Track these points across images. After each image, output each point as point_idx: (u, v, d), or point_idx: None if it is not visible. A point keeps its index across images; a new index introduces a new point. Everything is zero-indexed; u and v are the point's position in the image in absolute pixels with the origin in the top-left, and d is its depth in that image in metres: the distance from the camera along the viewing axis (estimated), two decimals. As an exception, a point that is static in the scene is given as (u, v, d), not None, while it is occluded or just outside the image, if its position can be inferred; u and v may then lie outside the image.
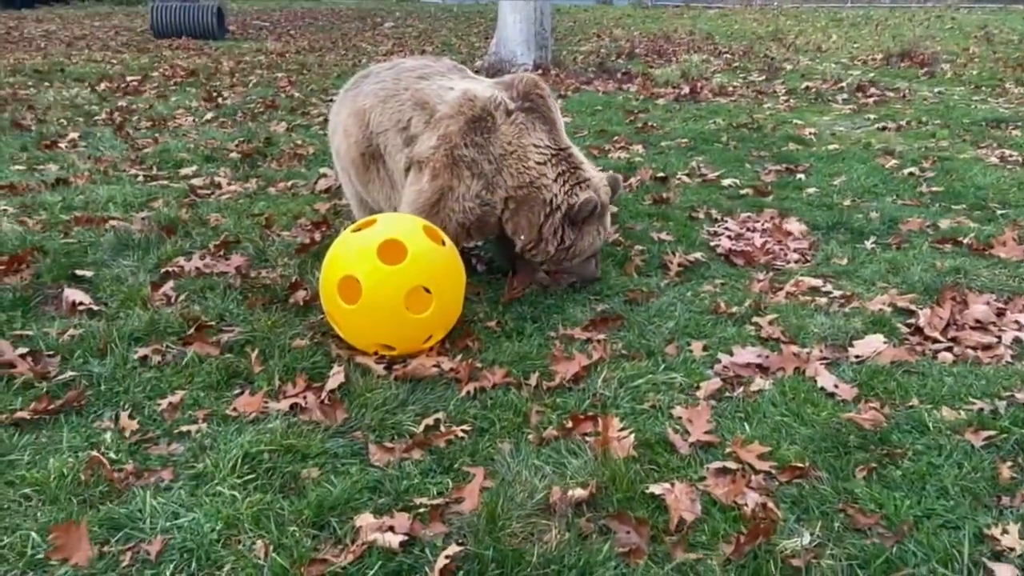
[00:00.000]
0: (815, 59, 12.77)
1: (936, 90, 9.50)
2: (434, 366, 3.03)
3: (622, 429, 2.62)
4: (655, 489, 2.31)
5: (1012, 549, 2.05)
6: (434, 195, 3.51)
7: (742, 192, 5.45)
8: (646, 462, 2.49)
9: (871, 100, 8.89)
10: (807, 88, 9.66)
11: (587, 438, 2.61)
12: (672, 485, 2.32)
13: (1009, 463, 2.40)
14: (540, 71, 10.50)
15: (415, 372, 2.97)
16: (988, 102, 8.68)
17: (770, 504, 2.24)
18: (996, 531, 2.11)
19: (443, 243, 3.18)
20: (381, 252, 2.98)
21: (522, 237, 3.60)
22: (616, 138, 7.01)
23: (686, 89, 9.34)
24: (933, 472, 2.39)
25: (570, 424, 2.66)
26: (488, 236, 3.85)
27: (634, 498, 2.29)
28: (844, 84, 9.74)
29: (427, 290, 3.07)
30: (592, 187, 3.61)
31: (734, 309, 3.56)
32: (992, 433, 2.55)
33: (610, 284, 3.89)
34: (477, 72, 10.75)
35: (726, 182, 5.65)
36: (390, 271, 2.95)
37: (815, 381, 2.94)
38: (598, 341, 3.29)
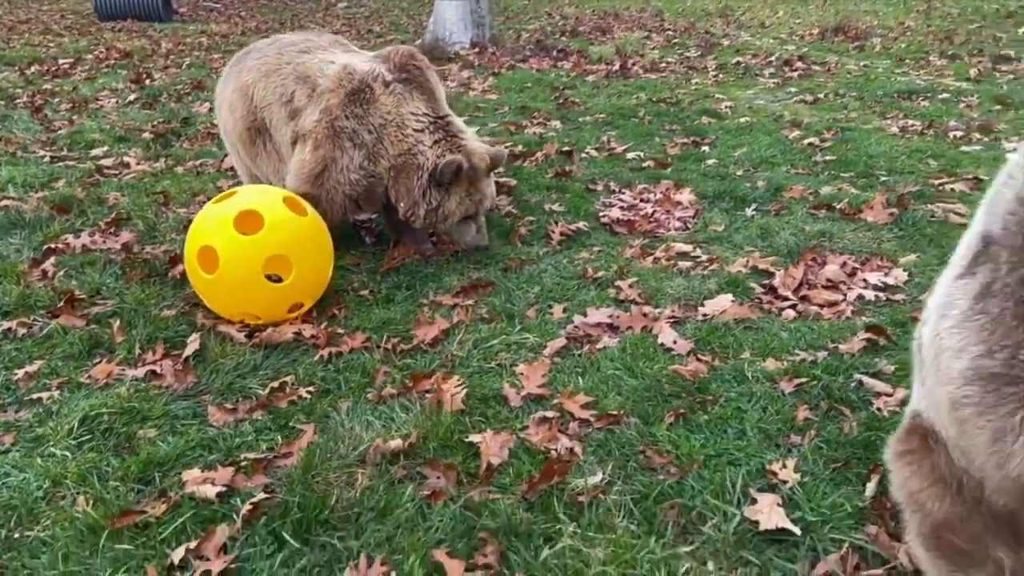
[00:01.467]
0: (755, 35, 12.92)
1: (862, 63, 9.68)
2: (294, 332, 3.14)
3: (459, 385, 2.75)
4: (473, 438, 2.45)
5: (785, 481, 2.21)
6: (317, 166, 3.63)
7: (644, 164, 5.58)
8: (476, 415, 2.63)
9: (796, 74, 9.05)
10: (737, 63, 9.80)
11: (427, 395, 2.74)
12: (490, 433, 2.46)
13: (809, 407, 2.57)
14: (477, 50, 10.56)
15: (271, 338, 3.08)
16: (908, 74, 8.88)
17: (576, 448, 2.39)
18: (777, 467, 2.28)
19: (305, 213, 3.28)
20: (238, 222, 3.07)
21: (402, 204, 3.73)
22: (536, 114, 7.10)
23: (617, 65, 9.45)
24: (737, 416, 2.55)
25: (411, 382, 2.79)
26: (378, 208, 3.96)
27: (450, 446, 2.43)
28: (772, 58, 9.91)
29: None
30: (466, 152, 3.72)
31: (600, 274, 3.70)
32: (803, 380, 2.72)
33: (491, 254, 4.01)
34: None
35: (631, 155, 5.77)
36: (246, 241, 3.04)
37: (656, 338, 3.09)
38: (464, 306, 3.41)
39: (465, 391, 2.70)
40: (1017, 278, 1.46)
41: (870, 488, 2.15)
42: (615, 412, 2.57)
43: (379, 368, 2.91)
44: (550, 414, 2.57)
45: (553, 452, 2.38)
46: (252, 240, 3.05)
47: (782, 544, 2.00)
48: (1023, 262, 1.45)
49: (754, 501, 2.12)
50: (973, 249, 1.56)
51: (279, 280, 3.25)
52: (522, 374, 2.84)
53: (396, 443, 2.40)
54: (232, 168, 5.35)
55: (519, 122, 6.83)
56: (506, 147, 5.81)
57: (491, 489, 2.25)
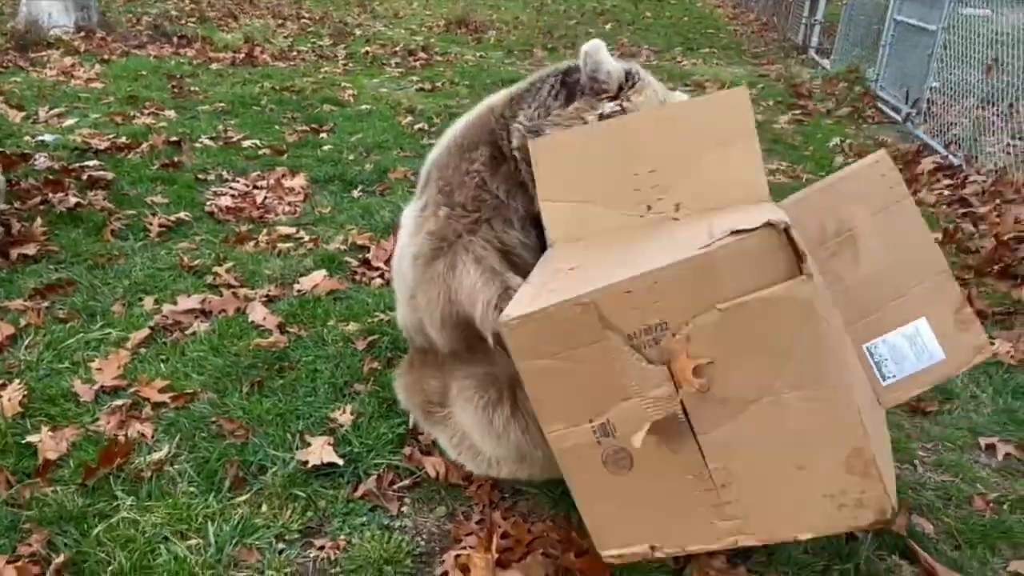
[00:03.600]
0: (389, 25, 13.49)
1: (479, 54, 10.68)
2: None
3: (19, 389, 2.62)
4: (31, 438, 2.37)
5: (342, 425, 2.51)
6: None
7: (260, 152, 5.63)
8: (40, 415, 2.53)
9: (419, 64, 9.70)
10: (367, 53, 10.20)
11: (-19, 405, 2.57)
12: (48, 431, 2.40)
13: (376, 360, 2.91)
14: (83, 34, 9.57)
15: None
16: (516, 64, 10.01)
17: (148, 430, 2.45)
18: (337, 413, 2.56)
19: None
20: None
21: None
22: (147, 104, 6.72)
23: (244, 53, 9.27)
24: (312, 376, 2.80)
25: (-44, 396, 2.59)
26: None
27: (3, 451, 2.33)
28: (399, 48, 10.48)
29: None
30: None
31: (197, 262, 3.71)
32: (376, 337, 3.06)
33: (78, 251, 3.79)
34: (4, 35, 9.42)
35: (248, 143, 5.78)
36: None
37: (248, 317, 3.23)
38: (37, 309, 3.21)
39: (24, 394, 2.58)
40: (435, 191, 2.02)
41: (412, 418, 2.53)
42: (192, 391, 2.67)
43: (-82, 389, 2.64)
44: (121, 402, 2.58)
45: (121, 438, 2.40)
46: None
47: (329, 476, 2.29)
48: (445, 179, 2.07)
49: (308, 445, 2.37)
50: (422, 180, 2.11)
51: None
52: (98, 369, 2.79)
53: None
54: None
55: (127, 112, 6.41)
56: (107, 139, 5.50)
57: (48, 482, 2.21)
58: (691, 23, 15.88)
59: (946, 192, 5.04)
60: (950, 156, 5.54)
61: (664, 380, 1.48)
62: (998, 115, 5.77)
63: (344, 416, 2.53)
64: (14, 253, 3.69)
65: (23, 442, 2.36)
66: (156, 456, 2.31)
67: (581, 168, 1.84)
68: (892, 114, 7.31)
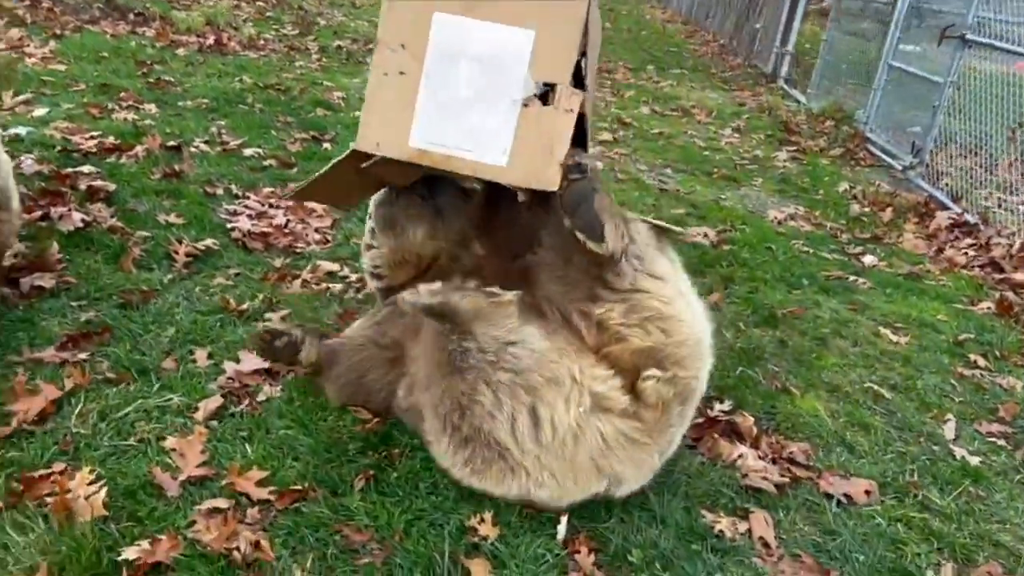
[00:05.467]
0: (348, 15, 12.90)
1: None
2: None
3: (93, 481, 2.20)
4: (128, 553, 1.98)
5: (486, 537, 2.21)
6: None
7: (266, 163, 5.16)
8: (124, 518, 2.13)
9: (398, 64, 9.24)
10: (339, 47, 9.67)
11: (48, 500, 2.14)
12: (152, 544, 2.01)
13: (490, 444, 2.62)
14: (29, 2, 8.66)
15: None
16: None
17: (264, 542, 2.09)
18: (475, 521, 2.27)
19: None
20: None
21: None
22: (123, 94, 6.07)
23: (212, 39, 8.59)
24: (426, 467, 2.48)
25: (21, 487, 2.15)
26: None
27: (102, 571, 1.93)
28: (371, 46, 9.98)
29: None
30: None
31: (245, 305, 3.30)
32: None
33: (100, 284, 3.30)
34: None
35: (249, 152, 5.29)
36: None
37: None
38: (77, 363, 2.75)
39: (104, 488, 2.17)
40: None
41: (561, 531, 2.26)
42: (298, 486, 2.31)
43: (-34, 473, 2.19)
44: (222, 503, 2.20)
45: (236, 553, 2.03)
46: None
47: (499, 611, 2.00)
48: None
49: (467, 571, 2.08)
50: None
51: None
52: (175, 450, 2.39)
53: (19, 590, 1.82)
54: None
55: (103, 104, 5.76)
56: (90, 137, 4.90)
57: (167, 622, 1.84)
58: (651, 39, 15.97)
59: (971, 252, 5.12)
60: (965, 214, 5.63)
61: None
62: (986, 169, 5.95)
63: (485, 527, 2.24)
64: (26, 284, 3.18)
65: (119, 559, 1.96)
66: (294, 582, 1.97)
67: None
68: (884, 157, 7.45)
